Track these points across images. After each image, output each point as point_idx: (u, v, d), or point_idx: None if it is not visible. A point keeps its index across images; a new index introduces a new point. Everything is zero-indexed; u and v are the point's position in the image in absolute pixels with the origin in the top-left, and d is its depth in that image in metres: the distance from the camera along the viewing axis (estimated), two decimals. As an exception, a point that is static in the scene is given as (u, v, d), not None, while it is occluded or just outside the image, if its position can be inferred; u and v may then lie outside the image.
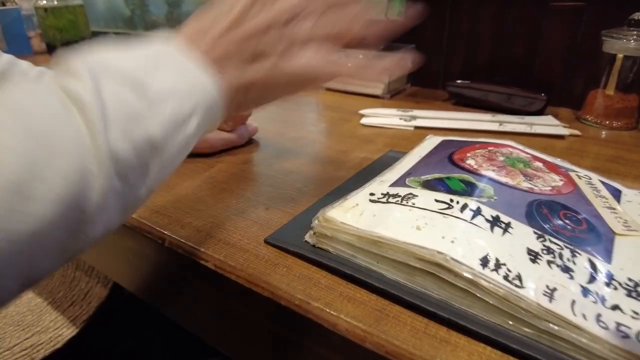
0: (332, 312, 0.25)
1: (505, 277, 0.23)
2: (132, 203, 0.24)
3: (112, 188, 0.21)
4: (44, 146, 0.19)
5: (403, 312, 0.25)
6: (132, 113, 0.22)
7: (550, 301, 0.22)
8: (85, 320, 0.65)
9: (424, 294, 0.25)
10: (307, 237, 0.31)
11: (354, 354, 0.25)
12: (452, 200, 0.29)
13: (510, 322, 0.23)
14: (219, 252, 0.31)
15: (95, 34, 1.16)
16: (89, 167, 0.20)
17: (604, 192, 0.34)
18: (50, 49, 1.08)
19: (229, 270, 0.29)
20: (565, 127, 0.54)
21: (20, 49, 1.10)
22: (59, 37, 1.05)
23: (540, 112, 0.59)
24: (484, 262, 0.24)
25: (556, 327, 0.21)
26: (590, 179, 0.35)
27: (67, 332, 0.63)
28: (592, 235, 0.28)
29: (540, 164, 0.36)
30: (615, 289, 0.23)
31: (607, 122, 0.56)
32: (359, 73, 0.33)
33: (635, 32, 0.52)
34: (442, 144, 0.41)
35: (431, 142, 0.42)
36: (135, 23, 1.24)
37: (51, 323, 0.64)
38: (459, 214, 0.27)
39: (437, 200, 0.29)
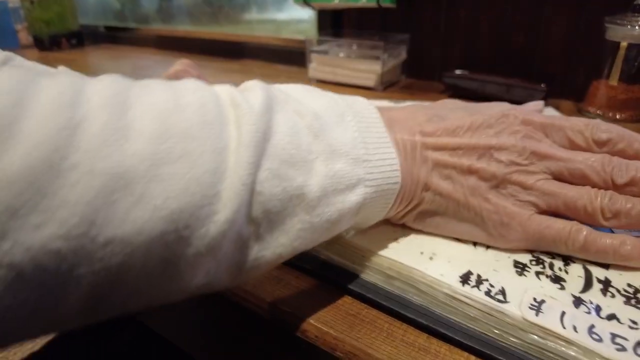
0: (300, 315, 0.23)
1: (487, 293, 0.21)
2: (249, 263, 0.18)
3: (234, 228, 0.16)
4: (180, 143, 0.15)
5: (380, 316, 0.23)
6: (300, 151, 0.18)
7: (537, 314, 0.19)
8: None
9: (403, 299, 0.22)
10: (280, 235, 0.28)
11: (324, 365, 0.22)
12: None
13: (496, 331, 0.20)
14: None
15: (83, 28, 1.14)
16: (218, 186, 0.16)
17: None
18: (38, 42, 1.06)
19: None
20: (565, 119, 0.51)
21: (6, 42, 1.08)
22: (46, 30, 1.03)
23: (539, 104, 0.56)
24: (465, 279, 0.21)
25: (542, 341, 0.19)
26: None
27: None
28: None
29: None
30: (613, 296, 0.21)
31: (611, 114, 0.53)
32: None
33: (640, 18, 0.49)
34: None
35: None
36: (125, 16, 1.21)
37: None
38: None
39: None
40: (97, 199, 0.14)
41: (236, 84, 0.21)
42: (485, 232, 0.24)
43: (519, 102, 0.56)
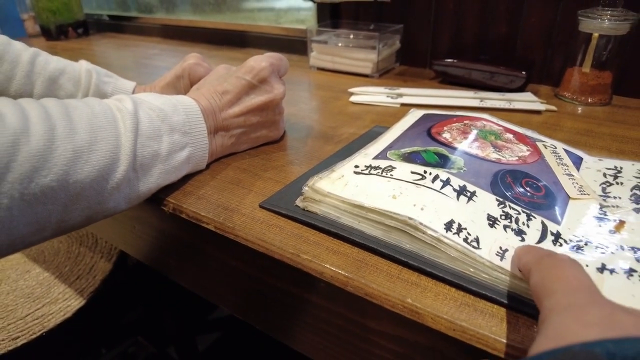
0: (319, 262, 0.29)
1: (465, 240, 0.27)
2: (135, 194, 0.33)
3: (127, 175, 0.32)
4: (99, 131, 0.30)
5: (380, 261, 0.29)
6: (155, 129, 0.34)
7: (501, 260, 0.26)
8: (91, 292, 0.69)
9: (398, 247, 0.29)
10: (297, 202, 0.34)
11: (337, 298, 0.29)
12: (425, 172, 0.32)
13: (471, 270, 0.26)
14: (218, 216, 0.34)
15: (87, 17, 1.17)
16: (119, 154, 0.31)
17: (566, 160, 0.37)
18: (45, 31, 1.09)
19: (228, 230, 0.33)
20: (542, 103, 0.57)
21: (13, 31, 1.11)
22: (52, 19, 1.06)
23: (521, 90, 0.62)
24: (448, 226, 0.27)
25: (504, 276, 0.25)
26: (556, 148, 0.39)
27: (75, 302, 0.67)
28: (549, 199, 0.32)
29: (510, 135, 0.39)
30: (561, 245, 0.27)
31: (583, 98, 0.59)
32: None
33: (609, 12, 0.55)
34: (423, 117, 0.44)
35: (413, 116, 0.45)
36: (128, 5, 1.24)
37: (60, 295, 0.68)
38: (430, 184, 0.31)
39: (412, 172, 0.32)
40: (68, 164, 0.28)
41: None
42: (269, 131, 0.45)
43: (501, 87, 0.62)
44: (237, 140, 0.43)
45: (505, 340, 0.23)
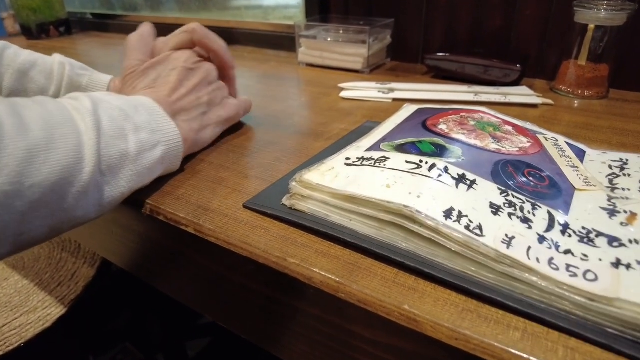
0: (307, 266, 0.26)
1: (467, 227, 0.24)
2: (106, 199, 0.30)
3: (95, 178, 0.28)
4: (56, 128, 0.27)
5: (374, 264, 0.26)
6: (119, 129, 0.31)
7: (508, 248, 0.23)
8: (73, 300, 0.66)
9: (393, 246, 0.26)
10: (284, 200, 0.32)
11: (328, 305, 0.26)
12: (421, 161, 0.30)
13: (473, 269, 0.24)
14: (198, 218, 0.32)
15: (70, 15, 1.14)
16: (83, 153, 0.28)
17: (569, 152, 0.35)
18: (25, 30, 1.05)
19: (209, 233, 0.30)
20: (538, 96, 0.55)
21: (-7, 31, 1.07)
22: (33, 18, 1.03)
23: (516, 83, 0.60)
24: (447, 214, 0.25)
25: (510, 269, 0.23)
26: (557, 140, 0.37)
27: (56, 311, 0.64)
28: (554, 190, 0.29)
29: (509, 128, 0.37)
30: (570, 236, 0.25)
31: (579, 92, 0.57)
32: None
33: (605, 2, 0.53)
34: (418, 112, 0.42)
35: (407, 111, 0.43)
36: (112, 3, 1.21)
37: (39, 303, 0.65)
38: (426, 173, 0.28)
39: (407, 162, 0.30)
40: (22, 165, 0.24)
41: None
42: (225, 111, 0.44)
43: (496, 82, 0.61)
44: (202, 123, 0.41)
45: (513, 351, 0.21)
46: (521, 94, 0.56)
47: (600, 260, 0.23)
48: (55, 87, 0.45)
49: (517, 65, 0.59)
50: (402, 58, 0.77)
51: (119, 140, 0.31)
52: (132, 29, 0.48)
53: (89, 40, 1.10)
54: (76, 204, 0.28)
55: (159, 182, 0.37)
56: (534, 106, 0.54)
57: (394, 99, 0.56)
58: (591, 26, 0.55)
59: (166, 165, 0.36)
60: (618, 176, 0.32)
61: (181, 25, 0.47)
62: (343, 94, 0.58)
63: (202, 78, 0.42)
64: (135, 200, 0.34)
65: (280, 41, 0.88)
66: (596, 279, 0.22)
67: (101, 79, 0.48)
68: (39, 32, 1.05)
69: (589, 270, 0.22)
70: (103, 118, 0.30)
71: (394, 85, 0.60)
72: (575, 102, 0.56)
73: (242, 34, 0.95)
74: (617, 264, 0.23)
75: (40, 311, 0.64)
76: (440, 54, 0.64)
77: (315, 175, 0.31)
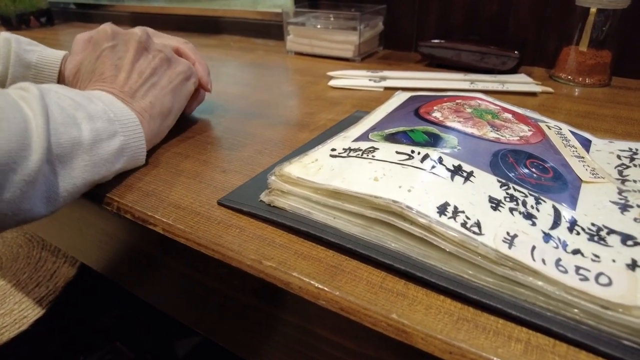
0: (285, 270, 0.24)
1: (464, 225, 0.22)
2: (55, 192, 0.27)
3: (42, 167, 0.25)
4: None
5: (360, 266, 0.24)
6: (70, 117, 0.29)
7: (510, 247, 0.21)
8: (52, 301, 0.63)
9: (380, 247, 0.23)
10: (262, 197, 0.29)
11: (307, 313, 0.23)
12: (413, 152, 0.27)
13: (470, 272, 0.21)
14: (168, 216, 0.29)
15: (52, 5, 1.10)
16: (29, 140, 0.25)
17: (574, 141, 0.32)
18: (4, 21, 1.01)
19: (178, 233, 0.27)
20: (537, 84, 0.53)
21: (-29, 21, 1.03)
22: (12, 7, 0.99)
23: (513, 71, 0.58)
24: (442, 209, 0.22)
25: (512, 272, 0.20)
26: (561, 129, 0.34)
27: (33, 313, 0.61)
28: (559, 183, 0.27)
29: (509, 115, 0.34)
30: (578, 234, 0.22)
31: (580, 79, 0.55)
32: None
33: (608, -17, 0.50)
34: (411, 99, 0.39)
35: (399, 98, 0.40)
36: (96, -8, 1.17)
37: (15, 305, 0.62)
38: (419, 164, 0.26)
39: (398, 152, 0.27)
40: None
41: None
42: (172, 70, 0.40)
43: (493, 69, 0.58)
44: (154, 99, 0.37)
45: (516, 366, 0.18)
46: (519, 82, 0.53)
47: (614, 261, 0.20)
48: (2, 66, 0.41)
49: (515, 52, 0.56)
50: (395, 46, 0.73)
51: (71, 128, 0.28)
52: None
53: (72, 31, 1.06)
54: (22, 196, 0.25)
55: (127, 177, 0.33)
56: (533, 94, 0.51)
57: (386, 88, 0.53)
58: (593, 10, 0.52)
59: (128, 157, 0.33)
60: (628, 167, 0.29)
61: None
62: (332, 82, 0.55)
63: (136, 48, 0.38)
64: (98, 195, 0.31)
65: (269, 29, 0.84)
66: (610, 283, 0.19)
67: (53, 55, 0.43)
68: (18, 22, 1.01)
69: (601, 273, 0.20)
70: (52, 105, 0.28)
71: (386, 73, 0.57)
72: (576, 90, 0.53)
73: (230, 23, 0.92)
74: (633, 265, 0.20)
75: (17, 313, 0.61)
76: (435, 41, 0.61)
77: (296, 168, 0.28)
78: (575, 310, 0.19)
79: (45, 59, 0.42)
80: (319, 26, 0.68)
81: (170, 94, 0.39)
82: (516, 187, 0.25)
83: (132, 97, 0.36)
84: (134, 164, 0.34)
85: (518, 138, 0.31)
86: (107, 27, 0.39)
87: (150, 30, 0.42)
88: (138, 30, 0.39)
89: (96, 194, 0.32)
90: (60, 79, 0.43)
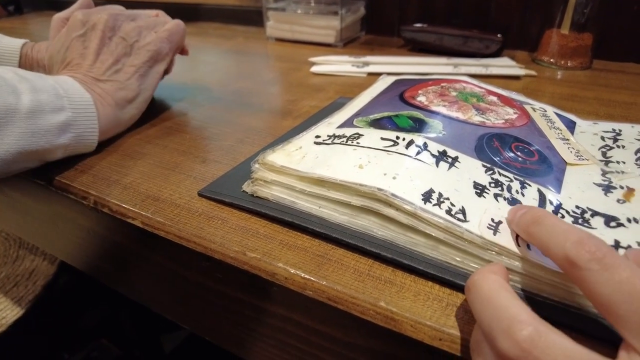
0: (270, 261, 0.23)
1: (448, 212, 0.21)
2: None
3: None
4: None
5: (346, 255, 0.23)
6: (9, 86, 0.29)
7: (495, 234, 0.20)
8: (31, 301, 0.61)
9: (367, 235, 0.23)
10: (244, 187, 0.28)
11: (295, 304, 0.23)
12: (398, 138, 0.27)
13: (458, 258, 0.21)
14: (147, 209, 0.28)
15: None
16: None
17: (558, 123, 0.32)
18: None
19: (158, 226, 0.26)
20: (521, 67, 0.53)
21: None
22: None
23: (496, 55, 0.57)
24: (427, 196, 0.22)
25: (498, 257, 0.20)
26: (545, 111, 0.34)
27: (12, 313, 0.59)
28: (544, 166, 0.27)
29: (494, 98, 0.34)
30: (563, 217, 0.22)
31: (562, 62, 0.55)
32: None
33: (589, -35, 0.50)
34: (395, 83, 0.39)
35: (384, 82, 0.40)
36: (67, -21, 1.12)
37: (-7, 306, 0.60)
38: (403, 151, 0.25)
39: (382, 139, 0.27)
40: None
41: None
42: (144, 40, 0.40)
43: (476, 53, 0.57)
44: (118, 84, 0.37)
45: (507, 352, 0.18)
46: (503, 65, 0.53)
47: (599, 242, 0.20)
48: None
49: (498, 36, 0.56)
50: (378, 31, 0.72)
51: (8, 95, 0.29)
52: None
53: (42, 20, 1.02)
54: None
55: (104, 170, 0.32)
56: (516, 78, 0.51)
57: (369, 73, 0.52)
58: (574, -8, 0.52)
59: (76, 135, 0.32)
60: (612, 148, 0.29)
61: (143, 2, 0.44)
62: (314, 68, 0.54)
63: (102, 31, 0.38)
64: (76, 190, 0.30)
65: (249, 15, 0.82)
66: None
67: (10, 44, 0.42)
68: (-15, 11, 0.96)
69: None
70: None
71: (368, 58, 0.56)
72: (559, 72, 0.53)
73: (208, 10, 0.89)
74: (616, 246, 0.20)
75: (-5, 314, 0.59)
76: (417, 25, 0.61)
77: (280, 156, 0.27)
78: (565, 292, 0.19)
79: (3, 49, 0.41)
80: (299, 11, 0.66)
81: (136, 80, 0.38)
82: (501, 171, 0.25)
83: (95, 81, 0.36)
84: (84, 143, 0.33)
85: (503, 121, 0.30)
86: (79, 14, 0.39)
87: (119, 9, 0.42)
88: (105, 15, 0.39)
89: (72, 188, 0.30)
90: (33, 65, 0.43)
